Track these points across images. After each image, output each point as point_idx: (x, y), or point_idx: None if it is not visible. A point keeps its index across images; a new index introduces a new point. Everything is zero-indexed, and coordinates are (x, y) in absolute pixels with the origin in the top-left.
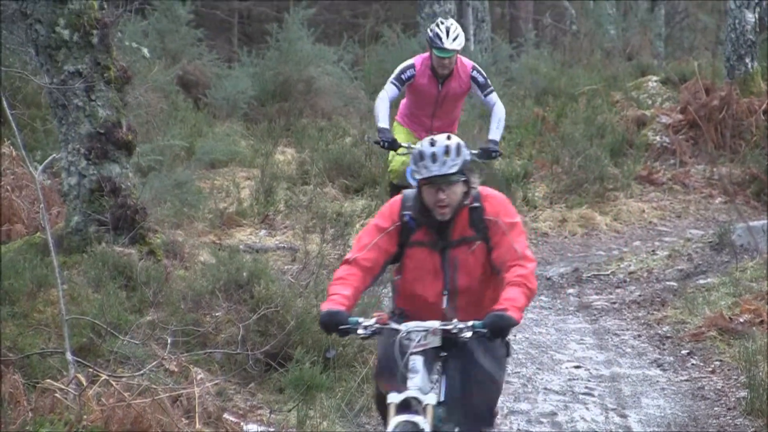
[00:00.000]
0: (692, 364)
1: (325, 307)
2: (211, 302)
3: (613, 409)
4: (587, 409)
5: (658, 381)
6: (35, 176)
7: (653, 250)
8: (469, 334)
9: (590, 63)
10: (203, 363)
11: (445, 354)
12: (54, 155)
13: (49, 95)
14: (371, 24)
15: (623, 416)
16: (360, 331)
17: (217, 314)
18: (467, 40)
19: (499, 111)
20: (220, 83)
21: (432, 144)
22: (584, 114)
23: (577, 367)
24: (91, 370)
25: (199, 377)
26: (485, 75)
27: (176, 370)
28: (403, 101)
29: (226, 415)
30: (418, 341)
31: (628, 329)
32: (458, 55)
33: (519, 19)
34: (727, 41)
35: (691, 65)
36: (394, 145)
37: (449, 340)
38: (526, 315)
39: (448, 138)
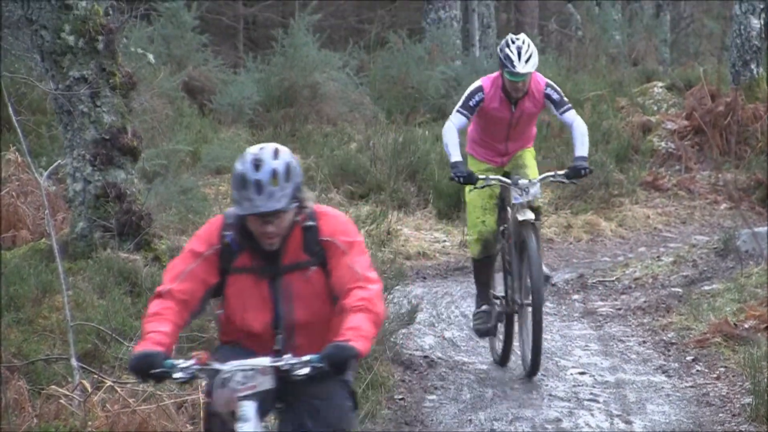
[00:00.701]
0: (697, 371)
1: (138, 348)
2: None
3: (618, 416)
4: (592, 415)
5: (663, 387)
6: (40, 182)
7: (658, 256)
8: (305, 370)
9: (595, 68)
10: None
11: (281, 405)
12: (59, 161)
13: (55, 101)
14: (377, 29)
15: (628, 422)
16: (177, 375)
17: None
18: (472, 46)
19: (580, 126)
20: (225, 89)
21: (256, 166)
22: (589, 120)
23: (582, 373)
24: (96, 376)
25: (203, 384)
26: (560, 91)
27: None
28: (471, 127)
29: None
30: (245, 383)
31: (633, 335)
32: (533, 74)
33: (524, 24)
34: (732, 47)
35: (696, 71)
36: (471, 178)
37: (285, 382)
38: None
39: (275, 155)
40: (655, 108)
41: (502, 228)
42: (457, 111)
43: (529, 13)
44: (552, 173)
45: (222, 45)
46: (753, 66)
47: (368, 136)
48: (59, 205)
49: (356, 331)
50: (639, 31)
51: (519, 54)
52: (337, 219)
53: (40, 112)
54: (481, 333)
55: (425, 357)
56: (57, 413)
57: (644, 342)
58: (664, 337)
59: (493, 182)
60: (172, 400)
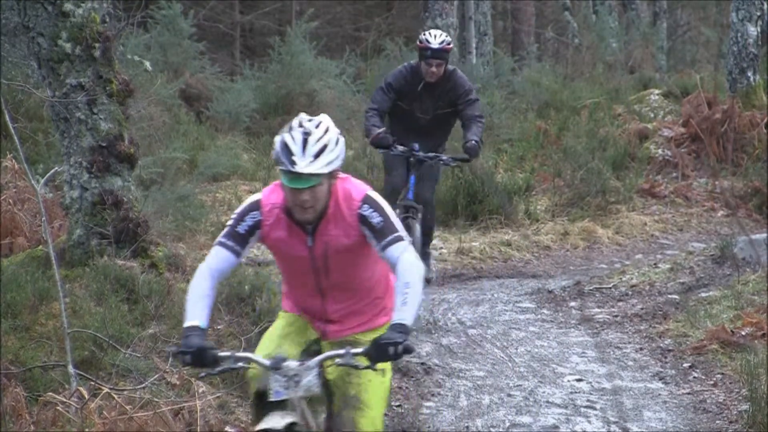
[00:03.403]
0: (694, 377)
1: None
2: (213, 315)
3: (615, 422)
4: (589, 422)
5: (660, 394)
6: (37, 189)
7: (655, 263)
8: None
9: (592, 76)
10: (205, 376)
11: None
12: (56, 168)
13: (51, 108)
14: (373, 37)
15: (625, 429)
16: None
17: (218, 327)
18: (469, 53)
19: (407, 272)
20: (222, 96)
21: None
22: (586, 127)
23: (579, 380)
24: (93, 383)
25: (200, 390)
26: (388, 212)
27: (178, 383)
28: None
29: (227, 428)
30: None
31: (629, 342)
32: (339, 180)
33: (521, 32)
34: (729, 54)
35: (693, 78)
36: (202, 358)
37: None
38: (528, 328)
39: None
40: (652, 115)
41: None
42: (217, 242)
43: (526, 21)
44: (343, 351)
45: (219, 52)
46: (750, 73)
47: (365, 144)
48: (56, 212)
49: None
50: (636, 38)
51: (304, 143)
52: None
53: (37, 119)
54: None
55: (422, 364)
56: (54, 420)
57: (641, 349)
58: (661, 344)
59: (240, 365)
60: (169, 407)
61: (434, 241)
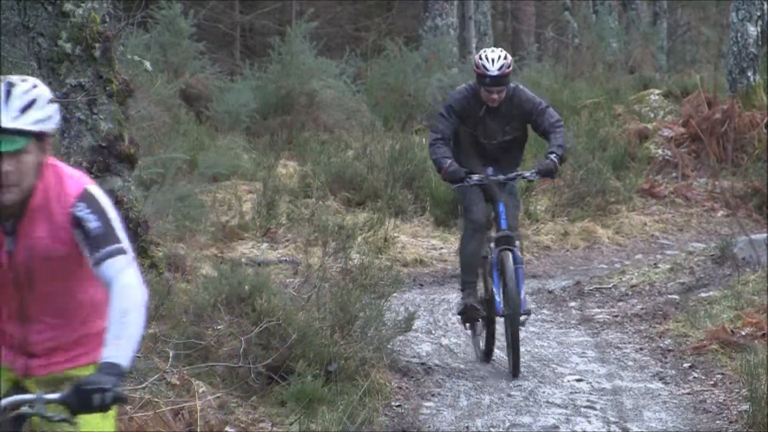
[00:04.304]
0: (694, 378)
1: None
2: (213, 315)
3: (615, 422)
4: (589, 422)
5: (660, 394)
6: None
7: (655, 263)
8: None
9: (592, 76)
10: (205, 376)
11: None
12: None
13: None
14: (373, 37)
15: (625, 429)
16: None
17: (219, 327)
18: (468, 53)
19: (123, 297)
20: (222, 96)
21: None
22: (586, 127)
23: (579, 380)
24: None
25: (201, 390)
26: (108, 215)
27: (178, 383)
28: None
29: (228, 429)
30: None
31: (629, 342)
32: (51, 165)
33: (521, 32)
34: (729, 54)
35: (693, 78)
36: None
37: None
38: (528, 328)
39: None
40: (652, 115)
41: None
42: None
43: (526, 21)
44: (33, 397)
45: (219, 52)
46: (750, 73)
47: (365, 144)
48: None
49: None
50: (636, 38)
51: (7, 94)
52: None
53: None
54: None
55: (422, 364)
56: None
57: (641, 349)
58: (661, 344)
59: None
60: (168, 407)
61: (434, 241)
